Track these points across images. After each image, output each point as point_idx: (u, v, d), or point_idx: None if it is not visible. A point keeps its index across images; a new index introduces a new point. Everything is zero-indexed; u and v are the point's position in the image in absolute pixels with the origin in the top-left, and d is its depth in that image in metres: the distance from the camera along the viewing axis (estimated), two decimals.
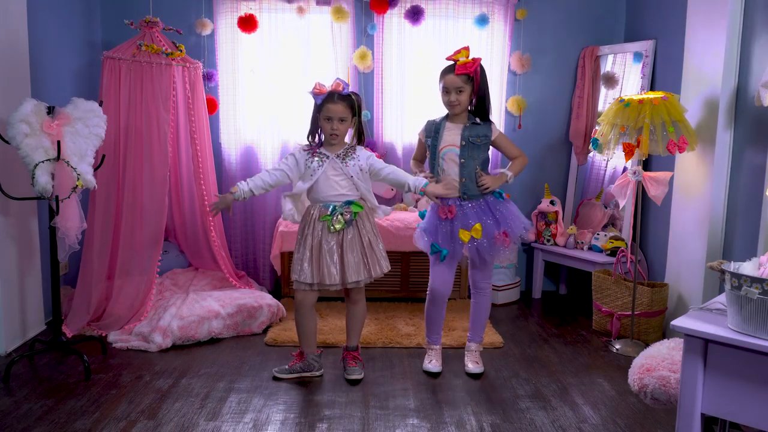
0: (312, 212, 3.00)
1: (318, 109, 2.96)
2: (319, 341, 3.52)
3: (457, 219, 3.01)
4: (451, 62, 2.98)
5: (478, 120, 3.03)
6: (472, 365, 3.20)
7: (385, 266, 3.07)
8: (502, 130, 4.59)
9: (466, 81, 2.95)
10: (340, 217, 2.93)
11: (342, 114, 2.92)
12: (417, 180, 2.99)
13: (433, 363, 3.21)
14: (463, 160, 2.99)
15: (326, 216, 2.94)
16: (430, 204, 3.12)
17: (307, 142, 3.04)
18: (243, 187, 3.00)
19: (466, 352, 3.29)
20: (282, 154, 4.48)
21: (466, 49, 2.97)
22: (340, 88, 2.92)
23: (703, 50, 3.41)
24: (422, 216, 3.19)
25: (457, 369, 3.25)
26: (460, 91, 2.95)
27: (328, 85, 2.94)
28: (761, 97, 2.74)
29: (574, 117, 4.56)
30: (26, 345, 3.39)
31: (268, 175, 3.02)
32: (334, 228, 2.93)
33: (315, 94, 2.94)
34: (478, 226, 2.98)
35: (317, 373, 3.12)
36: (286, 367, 3.13)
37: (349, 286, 3.02)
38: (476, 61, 2.94)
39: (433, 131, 3.08)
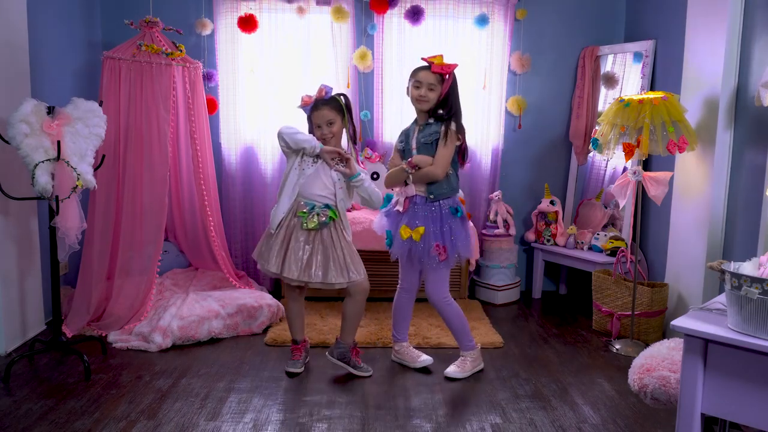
0: (293, 207, 3.05)
1: (309, 118, 3.08)
2: (319, 341, 3.53)
3: (406, 215, 3.06)
4: (426, 64, 3.03)
5: (431, 120, 3.05)
6: (453, 368, 3.17)
7: (353, 276, 3.02)
8: (502, 130, 4.60)
9: (438, 81, 3.00)
10: (315, 217, 2.98)
11: (329, 118, 3.01)
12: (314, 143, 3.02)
13: (423, 357, 3.26)
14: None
15: (303, 212, 2.99)
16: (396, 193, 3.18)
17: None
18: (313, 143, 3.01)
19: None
20: (282, 154, 4.46)
21: (441, 56, 3.05)
22: (323, 94, 3.03)
23: (703, 50, 3.41)
24: (388, 198, 3.22)
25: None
26: (431, 89, 2.99)
27: (314, 94, 3.06)
28: (761, 97, 2.74)
29: (574, 117, 4.56)
30: (26, 345, 3.38)
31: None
32: (307, 225, 2.97)
33: (303, 107, 3.05)
34: (420, 229, 3.01)
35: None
36: (290, 360, 3.22)
37: (312, 286, 3.07)
38: (452, 66, 3.01)
39: (404, 137, 3.14)
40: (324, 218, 2.99)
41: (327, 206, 3.03)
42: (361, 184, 3.05)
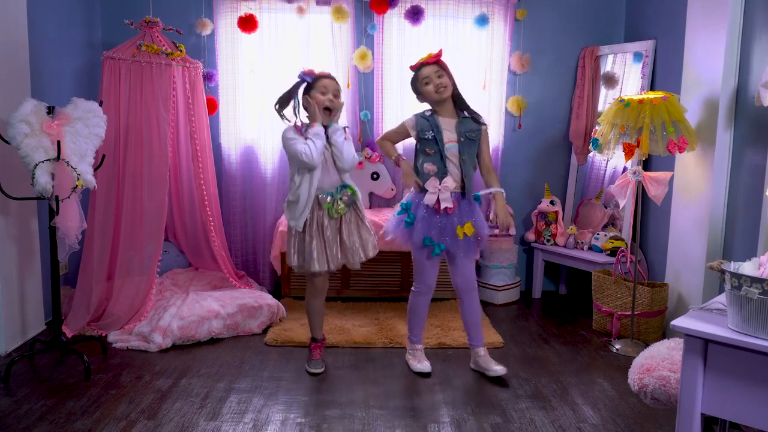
0: (314, 203, 3.03)
1: (308, 88, 3.01)
2: None
3: (455, 215, 3.03)
4: (420, 64, 3.06)
5: (466, 113, 3.08)
6: (498, 367, 3.11)
7: (375, 245, 3.17)
8: (502, 130, 4.61)
9: (441, 67, 3.03)
10: (339, 201, 3.00)
11: (336, 88, 3.04)
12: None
13: (424, 363, 3.20)
14: (464, 157, 3.02)
15: (328, 204, 3.00)
16: (410, 194, 3.12)
17: (293, 122, 3.05)
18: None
19: (476, 359, 3.20)
20: (282, 154, 4.47)
21: (428, 55, 3.07)
22: (326, 72, 3.06)
23: (703, 50, 3.41)
24: (404, 207, 3.12)
25: (457, 369, 3.25)
26: (440, 75, 3.01)
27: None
28: (761, 97, 2.75)
29: (574, 117, 4.56)
30: (26, 345, 3.39)
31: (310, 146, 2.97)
32: (338, 213, 3.01)
33: (306, 74, 3.00)
34: (469, 224, 3.03)
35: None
36: (312, 360, 3.23)
37: (353, 268, 3.13)
38: (439, 52, 3.04)
39: (431, 126, 3.03)
40: (347, 198, 3.03)
41: (343, 186, 3.04)
42: (333, 134, 3.00)
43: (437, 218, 3.03)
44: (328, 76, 3.03)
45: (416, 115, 3.10)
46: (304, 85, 3.03)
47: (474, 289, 3.15)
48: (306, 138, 2.94)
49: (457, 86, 3.09)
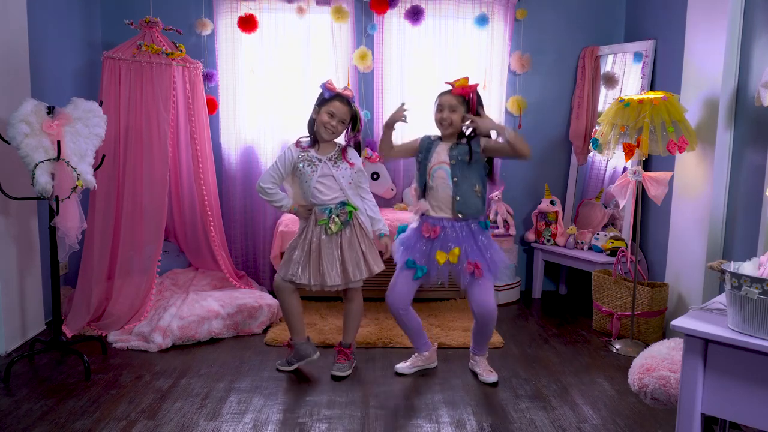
0: (313, 215, 3.05)
1: (322, 102, 3.03)
2: (319, 341, 3.53)
3: (438, 240, 2.99)
4: (449, 87, 3.02)
5: (464, 141, 3.00)
6: (486, 374, 3.11)
7: (381, 264, 3.14)
8: None
9: (460, 102, 2.97)
10: (336, 219, 3.00)
11: (344, 116, 3.03)
12: (378, 226, 3.14)
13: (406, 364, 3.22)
14: (455, 179, 2.96)
15: (323, 220, 3.00)
16: (416, 219, 3.10)
17: (306, 137, 3.11)
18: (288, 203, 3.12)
19: (472, 362, 3.21)
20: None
21: (466, 78, 3.02)
22: (350, 96, 3.05)
23: (703, 50, 3.41)
24: (402, 230, 3.17)
25: (457, 369, 3.25)
26: (453, 111, 2.97)
27: (340, 87, 3.06)
28: (761, 97, 2.75)
29: (574, 117, 4.56)
30: (26, 345, 3.38)
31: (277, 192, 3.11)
32: (332, 231, 2.99)
33: (327, 89, 3.02)
34: (456, 250, 2.95)
35: (314, 357, 3.15)
36: (284, 360, 3.22)
37: (352, 286, 3.09)
38: (473, 87, 2.99)
39: (425, 149, 3.06)
40: (344, 216, 3.01)
41: (342, 203, 3.04)
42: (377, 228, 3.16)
43: (421, 242, 3.01)
44: (344, 100, 3.02)
45: (425, 136, 3.12)
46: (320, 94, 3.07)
47: (489, 314, 2.99)
48: (307, 152, 3.03)
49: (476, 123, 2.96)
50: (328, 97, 3.01)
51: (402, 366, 3.22)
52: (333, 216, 3.00)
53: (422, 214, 3.05)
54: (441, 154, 3.01)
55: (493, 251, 3.00)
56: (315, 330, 3.70)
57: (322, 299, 4.19)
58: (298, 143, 3.10)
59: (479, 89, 3.11)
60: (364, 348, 3.50)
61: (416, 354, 3.24)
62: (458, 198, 2.96)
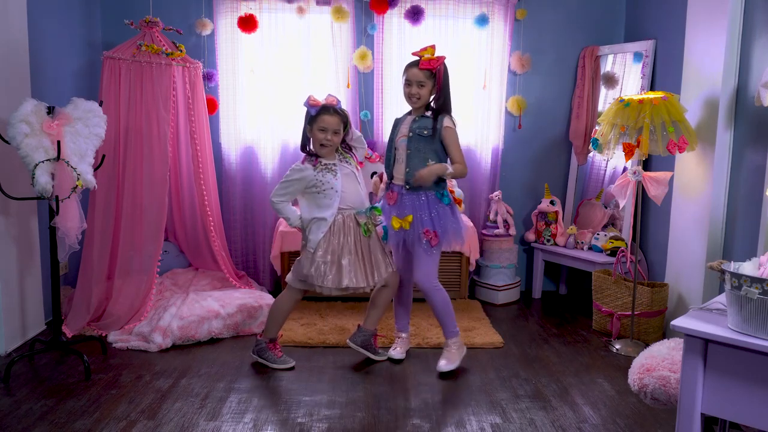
0: (339, 220, 3.09)
1: (311, 120, 3.08)
2: (319, 341, 3.54)
3: (396, 206, 3.13)
4: (417, 58, 3.09)
5: (428, 114, 3.10)
6: (443, 362, 3.19)
7: (390, 268, 3.27)
8: (501, 131, 4.60)
9: (428, 76, 3.05)
10: (372, 222, 3.16)
11: (336, 127, 3.07)
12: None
13: (396, 350, 3.34)
14: (409, 151, 3.09)
15: (364, 223, 3.12)
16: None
17: (306, 154, 3.16)
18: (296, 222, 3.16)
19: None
20: (282, 155, 4.48)
21: (432, 47, 3.10)
22: (335, 103, 3.09)
23: (703, 50, 3.41)
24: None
25: (457, 369, 3.24)
26: (422, 85, 3.06)
27: (321, 99, 3.09)
28: (761, 97, 2.74)
29: (574, 117, 4.56)
30: (26, 345, 3.38)
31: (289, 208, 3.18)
32: (370, 233, 3.14)
33: (310, 106, 3.06)
34: (410, 217, 3.08)
35: (273, 365, 3.23)
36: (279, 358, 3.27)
37: (382, 283, 3.23)
38: (440, 59, 3.06)
39: (394, 127, 3.22)
40: (378, 221, 3.18)
41: (372, 208, 3.16)
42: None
43: (387, 209, 3.19)
44: (331, 111, 3.04)
45: (396, 119, 3.26)
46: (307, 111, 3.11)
47: (427, 288, 3.13)
48: (320, 162, 3.07)
49: (445, 97, 3.08)
50: (314, 113, 3.05)
51: (397, 352, 3.35)
52: (369, 219, 3.13)
53: (390, 183, 3.21)
54: (404, 128, 3.14)
55: (447, 222, 3.10)
56: (315, 330, 3.70)
57: (322, 299, 4.19)
58: (304, 161, 3.12)
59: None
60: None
61: (399, 337, 3.41)
62: (408, 169, 3.07)
